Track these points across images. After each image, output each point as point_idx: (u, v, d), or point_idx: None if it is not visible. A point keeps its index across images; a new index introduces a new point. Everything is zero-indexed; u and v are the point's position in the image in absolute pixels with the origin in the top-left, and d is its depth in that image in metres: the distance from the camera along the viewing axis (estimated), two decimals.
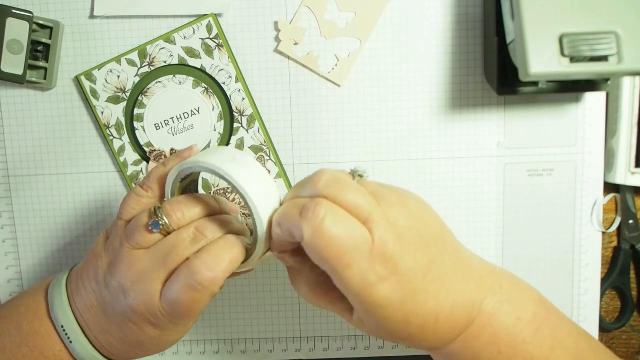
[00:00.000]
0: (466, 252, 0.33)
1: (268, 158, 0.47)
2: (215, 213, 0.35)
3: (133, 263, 0.33)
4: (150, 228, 0.33)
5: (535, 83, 0.43)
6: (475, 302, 0.31)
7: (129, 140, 0.47)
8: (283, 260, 0.33)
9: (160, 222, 0.33)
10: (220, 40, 0.46)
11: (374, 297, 0.28)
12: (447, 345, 0.31)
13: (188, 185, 0.37)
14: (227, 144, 0.47)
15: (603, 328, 0.49)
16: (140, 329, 0.34)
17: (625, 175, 0.45)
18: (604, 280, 0.49)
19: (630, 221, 0.48)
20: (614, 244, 0.49)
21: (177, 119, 0.47)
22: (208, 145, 0.47)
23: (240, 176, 0.31)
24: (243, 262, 0.33)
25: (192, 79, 0.46)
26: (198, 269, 0.31)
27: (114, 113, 0.47)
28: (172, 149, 0.46)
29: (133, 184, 0.47)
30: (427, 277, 0.29)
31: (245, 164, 0.32)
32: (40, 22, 0.44)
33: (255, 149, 0.47)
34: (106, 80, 0.46)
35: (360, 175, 0.31)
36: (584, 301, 0.48)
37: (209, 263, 0.31)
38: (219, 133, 0.47)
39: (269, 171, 0.47)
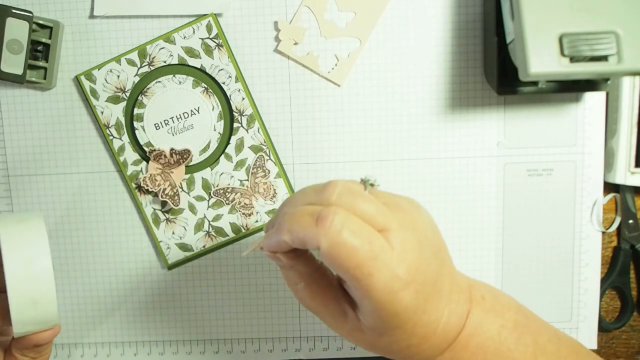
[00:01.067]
0: (451, 260, 0.33)
1: (268, 158, 0.47)
2: None
3: None
4: None
5: (535, 83, 0.43)
6: (463, 313, 0.31)
7: (129, 140, 0.47)
8: (275, 260, 0.32)
9: None
10: (220, 40, 0.46)
11: (395, 305, 0.28)
12: (436, 358, 0.32)
13: None
14: (227, 143, 0.47)
15: (603, 328, 0.49)
16: None
17: (625, 175, 0.45)
18: (604, 280, 0.49)
19: (630, 221, 0.48)
20: (614, 244, 0.49)
21: (177, 119, 0.47)
22: (208, 146, 0.47)
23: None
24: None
25: (192, 79, 0.46)
26: None
27: (114, 113, 0.47)
28: (172, 149, 0.46)
29: (133, 184, 0.47)
30: (435, 287, 0.29)
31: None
32: (40, 22, 0.44)
33: (255, 149, 0.47)
34: (106, 80, 0.46)
35: (372, 185, 0.31)
36: (584, 301, 0.48)
37: None
38: (219, 133, 0.47)
39: (268, 171, 0.47)
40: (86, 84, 0.46)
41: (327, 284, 0.32)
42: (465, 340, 0.31)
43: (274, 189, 0.47)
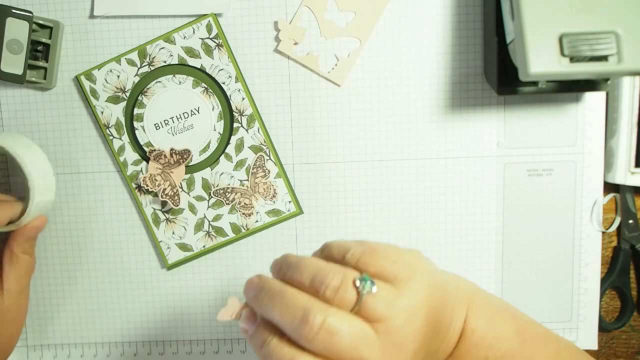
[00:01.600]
0: (442, 275, 0.32)
1: (268, 158, 0.47)
2: None
3: None
4: None
5: (535, 83, 0.43)
6: (450, 347, 0.32)
7: (128, 140, 0.47)
8: (245, 332, 0.31)
9: None
10: (220, 40, 0.46)
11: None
12: None
13: None
14: (227, 143, 0.47)
15: (603, 328, 0.49)
16: None
17: (625, 175, 0.45)
18: (604, 280, 0.49)
19: (630, 221, 0.48)
20: (614, 244, 0.49)
21: (177, 119, 0.47)
22: (208, 146, 0.47)
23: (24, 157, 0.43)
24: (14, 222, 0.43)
25: (192, 79, 0.46)
26: None
27: (114, 113, 0.47)
28: (172, 149, 0.46)
29: (133, 184, 0.47)
30: (439, 335, 0.31)
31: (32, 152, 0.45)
32: (40, 22, 0.44)
33: (255, 149, 0.47)
34: (106, 80, 0.46)
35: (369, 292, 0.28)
36: (584, 301, 0.48)
37: None
38: (219, 133, 0.47)
39: (268, 171, 0.47)
40: (86, 84, 0.46)
41: None
42: (464, 349, 0.32)
43: (274, 189, 0.47)
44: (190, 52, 0.46)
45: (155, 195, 0.47)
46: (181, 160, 0.47)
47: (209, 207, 0.48)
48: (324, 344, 0.26)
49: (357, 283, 0.27)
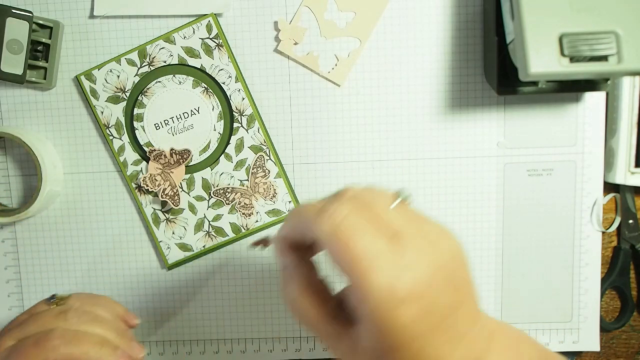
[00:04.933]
0: (477, 304, 0.30)
1: (268, 158, 0.47)
2: None
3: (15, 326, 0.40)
4: (46, 301, 0.41)
5: (535, 83, 0.43)
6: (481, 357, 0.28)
7: (128, 140, 0.47)
8: (279, 255, 0.31)
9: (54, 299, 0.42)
10: (220, 40, 0.46)
11: (394, 320, 0.25)
12: None
13: None
14: (227, 143, 0.47)
15: (603, 328, 0.49)
16: None
17: (625, 175, 0.45)
18: (604, 280, 0.49)
19: (630, 221, 0.48)
20: (614, 244, 0.49)
21: (177, 119, 0.47)
22: (208, 146, 0.47)
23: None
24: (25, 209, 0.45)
25: (192, 79, 0.46)
26: (51, 337, 0.38)
27: (114, 113, 0.47)
28: (172, 149, 0.46)
29: (133, 184, 0.47)
30: (446, 322, 0.27)
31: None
32: (40, 22, 0.44)
33: (255, 149, 0.47)
34: (106, 80, 0.46)
35: (405, 199, 0.28)
36: (584, 301, 0.48)
37: (69, 338, 0.38)
38: (219, 133, 0.47)
39: (268, 171, 0.47)
40: (86, 84, 0.46)
41: (324, 298, 0.30)
42: None
43: (274, 189, 0.47)
44: (190, 52, 0.46)
45: (155, 195, 0.47)
46: (181, 160, 0.47)
47: (209, 207, 0.48)
48: (357, 201, 0.26)
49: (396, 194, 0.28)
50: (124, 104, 0.47)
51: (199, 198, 0.47)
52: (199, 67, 0.46)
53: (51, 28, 0.45)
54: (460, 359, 0.27)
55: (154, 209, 0.48)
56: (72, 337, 0.38)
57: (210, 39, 0.46)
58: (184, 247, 0.48)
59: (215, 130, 0.47)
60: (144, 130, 0.47)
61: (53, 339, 0.38)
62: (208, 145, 0.47)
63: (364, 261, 0.25)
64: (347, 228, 0.25)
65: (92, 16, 0.46)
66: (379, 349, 0.26)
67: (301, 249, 0.30)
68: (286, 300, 0.31)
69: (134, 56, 0.46)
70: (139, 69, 0.46)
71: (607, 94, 0.46)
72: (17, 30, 0.42)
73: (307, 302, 0.30)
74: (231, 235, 0.48)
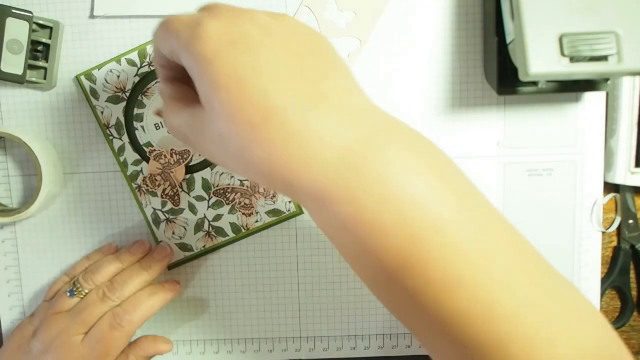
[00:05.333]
0: (360, 91, 0.29)
1: None
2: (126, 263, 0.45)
3: (55, 323, 0.41)
4: (68, 294, 0.43)
5: (535, 83, 0.43)
6: (354, 134, 0.26)
7: (129, 140, 0.47)
8: (156, 68, 0.33)
9: (74, 289, 0.43)
10: None
11: (219, 67, 0.26)
12: (312, 179, 0.26)
13: None
14: None
15: None
16: None
17: (625, 175, 0.45)
18: (603, 280, 0.49)
19: (630, 221, 0.48)
20: (614, 243, 0.49)
21: None
22: None
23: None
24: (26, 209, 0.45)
25: None
26: (119, 313, 0.41)
27: (114, 113, 0.47)
28: (172, 149, 0.46)
29: (133, 184, 0.47)
30: (315, 86, 0.26)
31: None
32: (40, 22, 0.44)
33: None
34: (106, 80, 0.46)
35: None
36: None
37: (128, 309, 0.42)
38: None
39: None
40: (86, 84, 0.46)
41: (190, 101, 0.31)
42: (363, 167, 0.25)
43: None
44: None
45: (155, 195, 0.47)
46: (181, 160, 0.47)
47: (209, 207, 0.48)
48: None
49: None
50: (124, 104, 0.47)
51: (199, 198, 0.47)
52: None
53: (51, 28, 0.45)
54: (335, 129, 0.26)
55: (154, 209, 0.48)
56: (131, 306, 0.42)
57: None
58: (184, 247, 0.48)
59: None
60: (144, 130, 0.47)
61: (121, 315, 0.41)
62: None
63: (186, 27, 0.27)
64: (167, 20, 0.29)
65: (92, 16, 0.46)
66: (214, 106, 0.27)
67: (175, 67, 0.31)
68: (165, 116, 0.33)
69: (134, 56, 0.46)
70: (139, 69, 0.46)
71: (607, 94, 0.46)
72: (17, 30, 0.42)
73: (176, 104, 0.31)
74: (231, 235, 0.48)
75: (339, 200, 0.25)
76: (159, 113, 0.37)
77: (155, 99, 0.46)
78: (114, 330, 0.41)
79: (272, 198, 0.47)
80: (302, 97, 0.26)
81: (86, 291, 0.43)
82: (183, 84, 0.32)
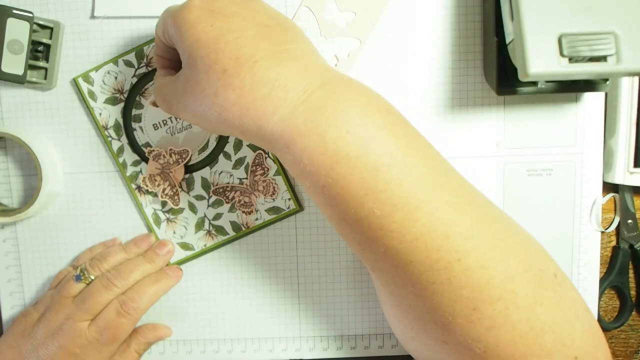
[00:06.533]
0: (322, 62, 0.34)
1: (267, 155, 0.47)
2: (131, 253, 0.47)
3: (62, 309, 0.42)
4: (75, 280, 0.44)
5: (534, 83, 0.43)
6: (315, 81, 0.31)
7: (127, 141, 0.47)
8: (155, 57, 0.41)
9: (81, 275, 0.44)
10: None
11: (186, 9, 0.32)
12: (279, 119, 0.30)
13: None
14: (226, 142, 0.47)
15: (602, 327, 0.49)
16: None
17: (624, 175, 0.45)
18: (602, 279, 0.49)
19: (629, 221, 0.48)
20: (613, 243, 0.49)
21: (176, 118, 0.47)
22: (206, 145, 0.47)
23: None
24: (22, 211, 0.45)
25: None
26: (125, 300, 0.43)
27: (112, 114, 0.47)
28: (170, 149, 0.47)
29: (133, 185, 0.48)
30: (282, 47, 0.32)
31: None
32: (41, 22, 0.44)
33: (254, 147, 0.47)
34: (104, 82, 0.46)
35: None
36: None
37: (134, 297, 0.43)
38: None
39: (267, 168, 0.47)
40: (84, 86, 0.46)
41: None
42: (320, 102, 0.30)
43: (274, 186, 0.47)
44: None
45: (155, 195, 0.48)
46: (180, 160, 0.47)
47: (209, 206, 0.48)
48: None
49: None
50: (122, 105, 0.47)
51: (199, 197, 0.48)
52: None
53: (52, 28, 0.45)
54: (298, 77, 0.30)
55: (154, 209, 0.48)
56: (137, 293, 0.43)
57: None
58: (185, 246, 0.48)
59: None
60: (142, 131, 0.47)
61: (128, 303, 0.43)
62: (206, 144, 0.47)
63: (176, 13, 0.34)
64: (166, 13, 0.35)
65: (92, 17, 0.46)
66: (186, 49, 0.33)
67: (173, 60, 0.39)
68: (156, 93, 0.39)
69: (131, 57, 0.46)
70: (136, 70, 0.46)
71: (606, 94, 0.46)
72: (17, 30, 0.42)
73: (163, 83, 0.38)
74: (232, 233, 0.48)
75: (304, 136, 0.29)
76: (154, 102, 0.44)
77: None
78: (121, 317, 0.42)
79: (271, 195, 0.47)
80: (269, 52, 0.31)
81: (92, 277, 0.44)
82: (174, 70, 0.39)
